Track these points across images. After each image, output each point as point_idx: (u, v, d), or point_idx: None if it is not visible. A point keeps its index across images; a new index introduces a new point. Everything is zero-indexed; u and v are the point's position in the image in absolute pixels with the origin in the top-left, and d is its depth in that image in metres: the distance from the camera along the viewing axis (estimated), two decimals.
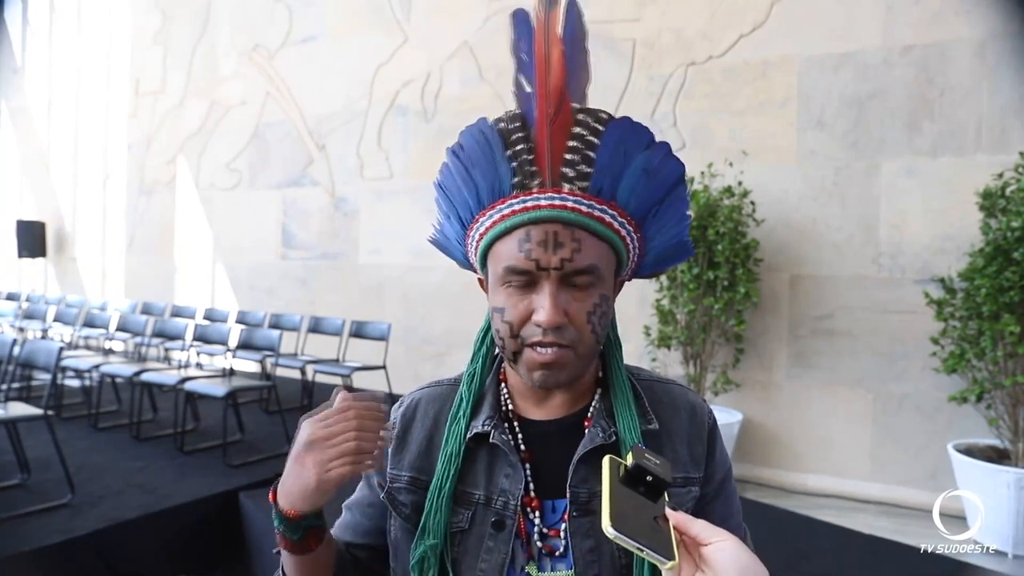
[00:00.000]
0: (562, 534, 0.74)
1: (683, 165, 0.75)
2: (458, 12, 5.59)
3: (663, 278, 4.22)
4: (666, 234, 0.78)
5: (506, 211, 0.71)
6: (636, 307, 4.43)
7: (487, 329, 0.83)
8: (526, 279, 0.70)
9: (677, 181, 0.75)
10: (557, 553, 0.74)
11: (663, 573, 0.57)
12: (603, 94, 4.53)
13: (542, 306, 0.69)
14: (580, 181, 0.70)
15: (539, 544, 0.74)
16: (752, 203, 4.13)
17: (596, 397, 0.79)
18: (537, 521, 0.74)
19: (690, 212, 0.82)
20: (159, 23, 7.79)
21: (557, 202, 0.69)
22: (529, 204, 0.70)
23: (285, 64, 6.66)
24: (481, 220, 0.74)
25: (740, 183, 4.14)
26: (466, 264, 0.83)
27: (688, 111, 4.58)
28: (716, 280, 4.04)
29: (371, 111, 6.06)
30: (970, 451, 3.43)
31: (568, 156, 0.71)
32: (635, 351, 4.35)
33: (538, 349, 0.70)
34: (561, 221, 0.69)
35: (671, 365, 4.37)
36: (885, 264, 3.97)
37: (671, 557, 0.56)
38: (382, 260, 6.01)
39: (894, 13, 3.95)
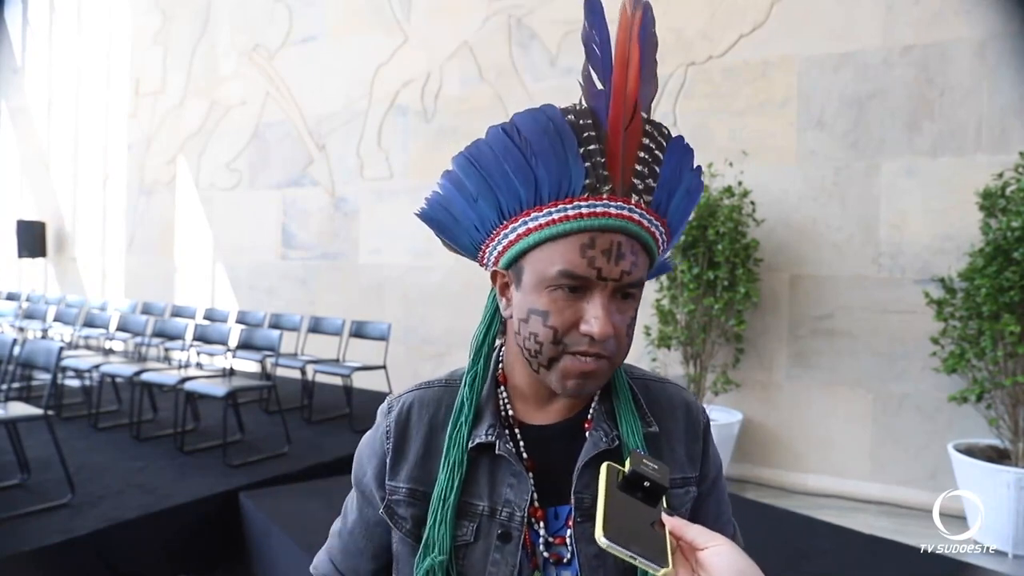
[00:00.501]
0: (567, 541, 0.72)
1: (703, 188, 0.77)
2: (458, 12, 5.59)
3: (663, 278, 4.22)
4: (665, 253, 0.79)
5: (571, 212, 0.67)
6: None
7: (488, 327, 0.80)
8: (578, 284, 0.67)
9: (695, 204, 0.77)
10: (564, 560, 0.72)
11: None
12: None
13: (595, 316, 0.66)
14: (646, 194, 0.69)
15: (545, 553, 0.72)
16: (752, 203, 4.13)
17: (595, 399, 0.78)
18: (542, 531, 0.73)
19: None
20: (159, 23, 7.79)
21: (625, 212, 0.68)
22: (599, 210, 0.67)
23: (285, 64, 6.66)
24: (534, 215, 0.69)
25: (740, 183, 4.14)
26: (468, 250, 0.77)
27: (688, 111, 4.58)
28: (716, 280, 4.04)
29: (371, 111, 6.06)
30: (970, 451, 3.43)
31: (638, 167, 0.69)
32: (635, 351, 4.34)
33: (579, 357, 0.68)
34: (625, 232, 0.68)
35: (671, 365, 4.37)
36: (885, 264, 3.97)
37: (664, 564, 0.55)
38: (382, 260, 6.01)
39: (894, 13, 3.95)
